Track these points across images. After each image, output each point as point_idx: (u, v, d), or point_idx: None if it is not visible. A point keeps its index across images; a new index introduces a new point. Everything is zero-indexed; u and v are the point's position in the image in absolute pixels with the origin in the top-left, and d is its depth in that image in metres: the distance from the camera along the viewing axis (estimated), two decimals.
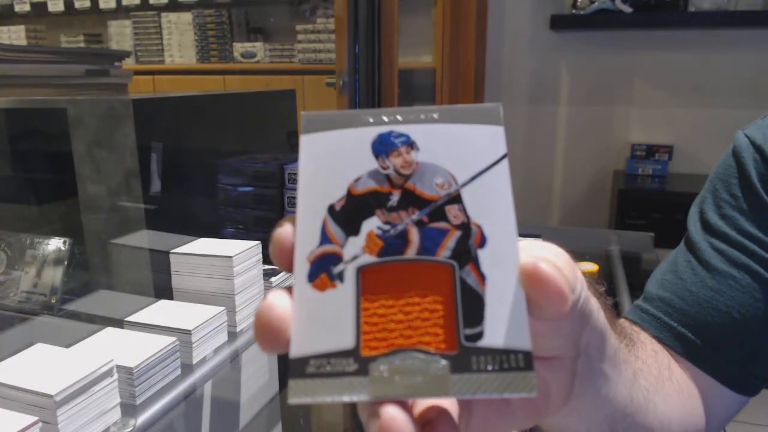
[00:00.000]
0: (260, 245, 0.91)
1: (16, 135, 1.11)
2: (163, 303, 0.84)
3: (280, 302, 0.21)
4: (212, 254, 0.85)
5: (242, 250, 0.86)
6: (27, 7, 3.25)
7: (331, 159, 0.23)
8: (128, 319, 0.78)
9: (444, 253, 0.22)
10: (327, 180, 0.23)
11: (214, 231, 1.25)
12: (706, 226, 0.51)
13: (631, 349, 0.37)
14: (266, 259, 0.95)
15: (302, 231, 0.22)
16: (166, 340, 0.73)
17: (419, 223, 0.22)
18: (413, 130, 0.23)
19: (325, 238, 0.22)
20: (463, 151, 0.23)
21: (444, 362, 0.21)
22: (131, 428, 0.64)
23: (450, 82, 2.37)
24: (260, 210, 1.25)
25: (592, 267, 1.11)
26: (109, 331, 0.75)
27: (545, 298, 0.21)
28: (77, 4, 3.13)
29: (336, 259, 0.22)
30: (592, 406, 0.32)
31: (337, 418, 0.77)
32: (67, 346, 0.70)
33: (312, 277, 0.22)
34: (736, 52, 2.27)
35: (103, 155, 0.99)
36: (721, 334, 0.47)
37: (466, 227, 0.22)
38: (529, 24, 2.49)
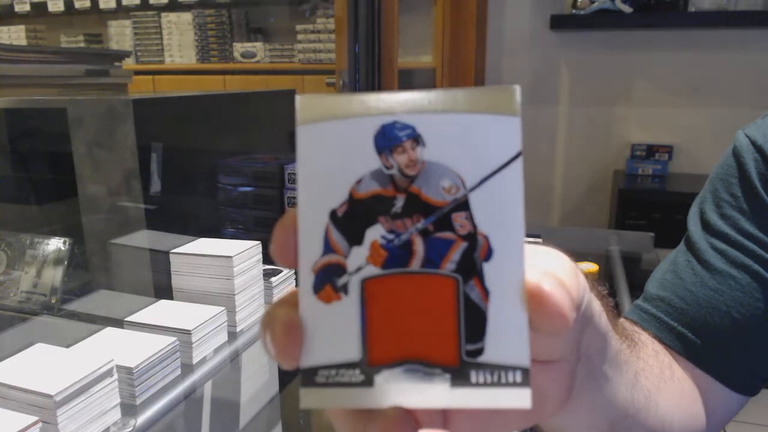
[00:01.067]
0: (260, 245, 0.91)
1: (16, 135, 1.11)
2: (163, 303, 0.84)
3: (295, 319, 0.21)
4: (212, 254, 0.85)
5: (242, 250, 0.86)
6: (27, 7, 3.24)
7: (331, 156, 0.21)
8: (128, 319, 0.78)
9: (448, 266, 0.21)
10: (328, 181, 0.21)
11: (214, 231, 1.25)
12: (707, 226, 0.51)
13: (632, 350, 0.37)
14: (266, 259, 0.95)
15: (305, 239, 0.21)
16: (166, 340, 0.73)
17: (424, 233, 0.22)
18: (419, 121, 0.21)
19: (328, 247, 0.21)
20: (474, 147, 0.21)
21: (445, 375, 0.21)
22: (131, 428, 0.64)
23: (450, 82, 2.37)
24: (260, 210, 1.25)
25: (592, 267, 1.10)
26: (109, 331, 0.75)
27: (547, 319, 0.21)
28: (77, 4, 3.13)
29: (340, 270, 0.21)
30: (592, 407, 0.32)
31: None
32: (67, 346, 0.70)
33: (317, 288, 0.21)
34: (736, 52, 2.27)
35: (103, 155, 0.99)
36: (721, 333, 0.47)
37: (472, 238, 0.21)
38: (529, 24, 2.49)
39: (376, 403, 0.21)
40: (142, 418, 0.67)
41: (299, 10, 2.88)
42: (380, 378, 0.21)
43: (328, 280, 0.21)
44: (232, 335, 0.85)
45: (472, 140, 0.21)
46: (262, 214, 1.25)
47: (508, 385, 0.21)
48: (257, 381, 0.84)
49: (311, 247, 0.21)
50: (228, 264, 0.84)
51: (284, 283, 1.01)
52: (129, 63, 2.95)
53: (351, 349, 0.21)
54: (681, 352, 0.48)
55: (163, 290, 0.90)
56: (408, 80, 2.63)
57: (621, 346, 0.33)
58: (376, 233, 0.21)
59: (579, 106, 2.51)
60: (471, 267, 0.21)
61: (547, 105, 2.54)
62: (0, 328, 0.89)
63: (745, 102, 2.28)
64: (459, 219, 0.21)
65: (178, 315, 0.80)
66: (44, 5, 3.20)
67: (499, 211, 0.21)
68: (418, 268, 0.22)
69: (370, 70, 1.60)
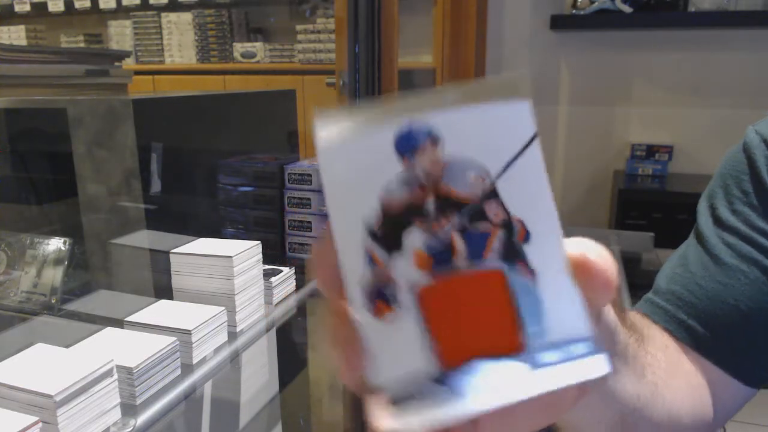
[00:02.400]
0: (260, 245, 0.91)
1: (16, 135, 1.11)
2: (163, 303, 0.84)
3: (352, 335, 0.21)
4: (212, 254, 0.85)
5: (242, 250, 0.86)
6: (27, 7, 3.24)
7: (356, 171, 0.21)
8: (128, 319, 0.78)
9: (491, 255, 0.22)
10: (357, 196, 0.21)
11: (214, 231, 1.25)
12: (718, 221, 0.51)
13: (640, 345, 0.37)
14: (266, 259, 0.95)
15: (346, 258, 0.21)
16: (166, 340, 0.73)
17: (461, 228, 0.22)
18: (434, 120, 0.21)
19: (370, 261, 0.21)
20: (490, 136, 0.21)
21: (518, 363, 0.21)
22: (131, 428, 0.64)
23: (450, 82, 2.36)
24: (260, 210, 1.25)
25: None
26: (109, 331, 0.75)
27: (595, 287, 0.22)
28: (77, 4, 3.13)
29: (386, 281, 0.21)
30: (602, 401, 0.32)
31: (337, 418, 0.77)
32: (67, 346, 0.70)
33: (369, 306, 0.21)
34: (736, 52, 2.27)
35: (103, 155, 0.99)
36: (730, 326, 0.48)
37: (507, 224, 0.21)
38: (529, 24, 2.49)
39: (460, 410, 0.21)
40: (142, 418, 0.67)
41: (299, 10, 2.88)
42: (456, 381, 0.21)
43: (378, 294, 0.21)
44: (232, 335, 0.85)
45: (488, 129, 0.21)
46: (262, 214, 1.25)
47: (579, 356, 0.21)
48: (257, 381, 0.84)
49: (354, 265, 0.21)
50: (228, 264, 0.84)
51: (284, 282, 1.01)
52: (129, 63, 2.94)
53: (419, 359, 0.21)
54: (690, 344, 0.49)
55: (163, 290, 0.90)
56: (408, 80, 2.62)
57: (629, 340, 0.33)
58: (414, 238, 0.21)
59: (579, 106, 2.50)
60: (513, 252, 0.21)
61: (547, 105, 2.54)
62: (0, 328, 0.89)
63: (745, 102, 2.28)
64: (492, 208, 0.21)
65: (178, 315, 0.80)
66: (44, 5, 3.20)
67: (527, 193, 0.21)
68: (463, 265, 0.22)
69: (370, 70, 1.60)
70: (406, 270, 0.21)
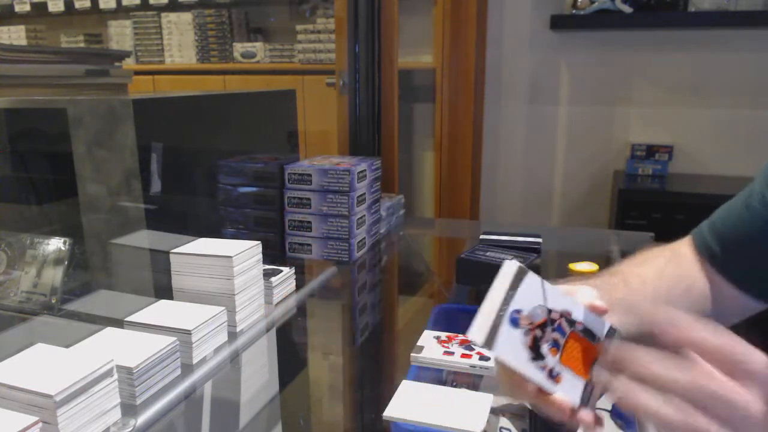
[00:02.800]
0: (260, 245, 0.91)
1: (16, 135, 1.11)
2: (163, 303, 0.84)
3: (562, 401, 0.50)
4: (212, 254, 0.85)
5: (242, 250, 0.86)
6: (27, 7, 3.25)
7: (509, 345, 0.50)
8: (128, 319, 0.79)
9: (568, 329, 0.52)
10: (519, 352, 0.50)
11: (214, 231, 1.25)
12: None
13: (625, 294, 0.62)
14: (266, 259, 0.95)
15: (534, 376, 0.50)
16: (166, 340, 0.73)
17: (553, 329, 0.51)
18: (514, 305, 0.50)
19: (543, 369, 0.50)
20: (531, 291, 0.51)
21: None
22: (131, 428, 0.64)
23: (450, 82, 2.37)
24: (260, 210, 1.25)
25: (592, 267, 1.11)
26: (109, 331, 0.75)
27: (601, 313, 0.53)
28: (77, 4, 3.13)
29: (550, 369, 0.51)
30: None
31: (338, 418, 0.77)
32: (67, 346, 0.70)
33: (553, 380, 0.50)
34: (736, 52, 2.27)
35: (103, 155, 0.99)
36: (739, 248, 0.62)
37: (562, 315, 0.52)
38: (529, 24, 2.49)
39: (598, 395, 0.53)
40: (142, 418, 0.67)
41: (299, 10, 2.88)
42: (594, 381, 0.51)
43: (551, 375, 0.50)
44: (232, 335, 0.85)
45: (530, 289, 0.51)
46: (262, 214, 1.25)
47: (611, 334, 0.53)
48: (257, 381, 0.84)
49: (538, 376, 0.50)
50: (228, 264, 0.84)
51: (284, 282, 1.01)
52: (129, 63, 2.95)
53: (579, 385, 0.51)
54: (708, 261, 0.65)
55: (163, 290, 0.90)
56: (408, 80, 2.62)
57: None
58: (545, 347, 0.51)
59: (579, 106, 2.50)
60: (571, 322, 0.52)
61: (547, 105, 2.54)
62: (0, 328, 0.89)
63: (745, 102, 2.28)
64: (554, 315, 0.51)
65: (178, 315, 0.80)
66: (44, 5, 3.21)
67: (555, 297, 0.52)
68: (562, 341, 0.51)
69: (370, 70, 1.60)
70: (553, 360, 0.51)
